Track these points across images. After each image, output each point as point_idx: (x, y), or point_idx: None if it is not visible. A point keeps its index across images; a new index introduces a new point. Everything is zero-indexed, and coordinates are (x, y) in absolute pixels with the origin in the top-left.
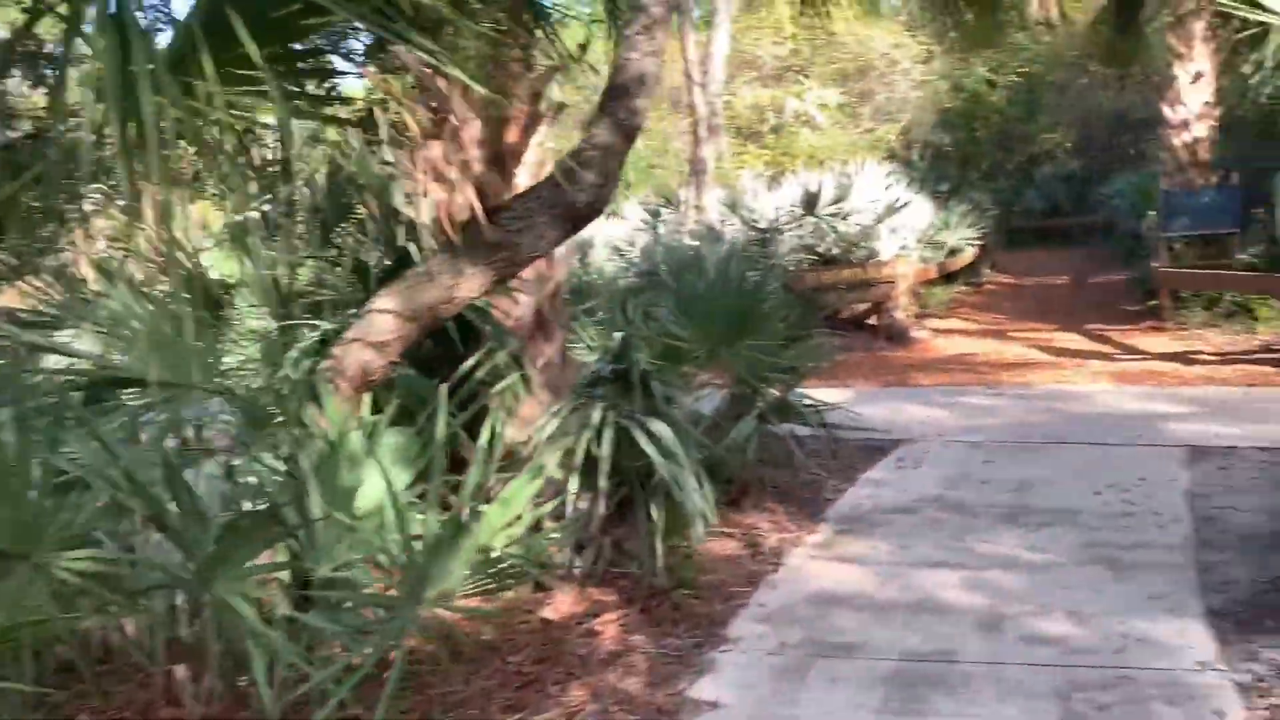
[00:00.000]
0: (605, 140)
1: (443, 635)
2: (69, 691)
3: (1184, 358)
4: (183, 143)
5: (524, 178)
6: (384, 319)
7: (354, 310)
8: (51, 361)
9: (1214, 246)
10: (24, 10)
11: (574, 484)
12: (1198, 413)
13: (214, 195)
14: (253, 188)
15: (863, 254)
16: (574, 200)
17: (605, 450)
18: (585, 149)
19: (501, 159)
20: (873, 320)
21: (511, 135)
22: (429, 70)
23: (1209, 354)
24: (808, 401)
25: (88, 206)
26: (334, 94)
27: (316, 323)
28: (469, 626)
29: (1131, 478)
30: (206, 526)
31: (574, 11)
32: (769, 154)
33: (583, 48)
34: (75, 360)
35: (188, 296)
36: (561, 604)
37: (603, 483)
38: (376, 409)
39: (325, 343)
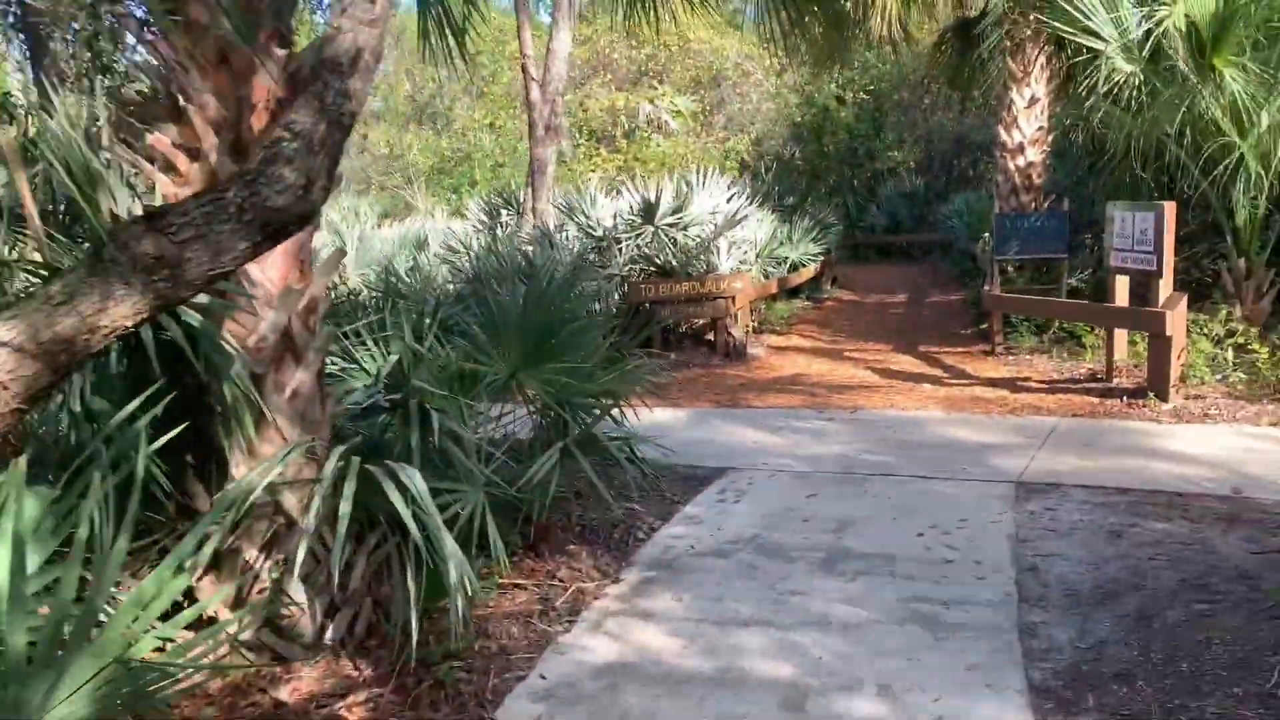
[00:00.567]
0: (306, 127)
1: None
2: None
3: (1012, 384)
4: None
5: None
6: None
7: None
8: None
9: (1047, 271)
10: None
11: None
12: (1023, 444)
13: None
14: None
15: (701, 267)
16: (269, 204)
17: (344, 506)
18: (282, 138)
19: (244, 148)
20: (710, 336)
21: (259, 120)
22: (157, 37)
23: (1037, 381)
24: (615, 435)
25: None
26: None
27: None
28: (191, 708)
29: (954, 518)
30: None
31: None
32: (621, 158)
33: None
34: None
35: None
36: (304, 682)
37: (340, 535)
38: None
39: None
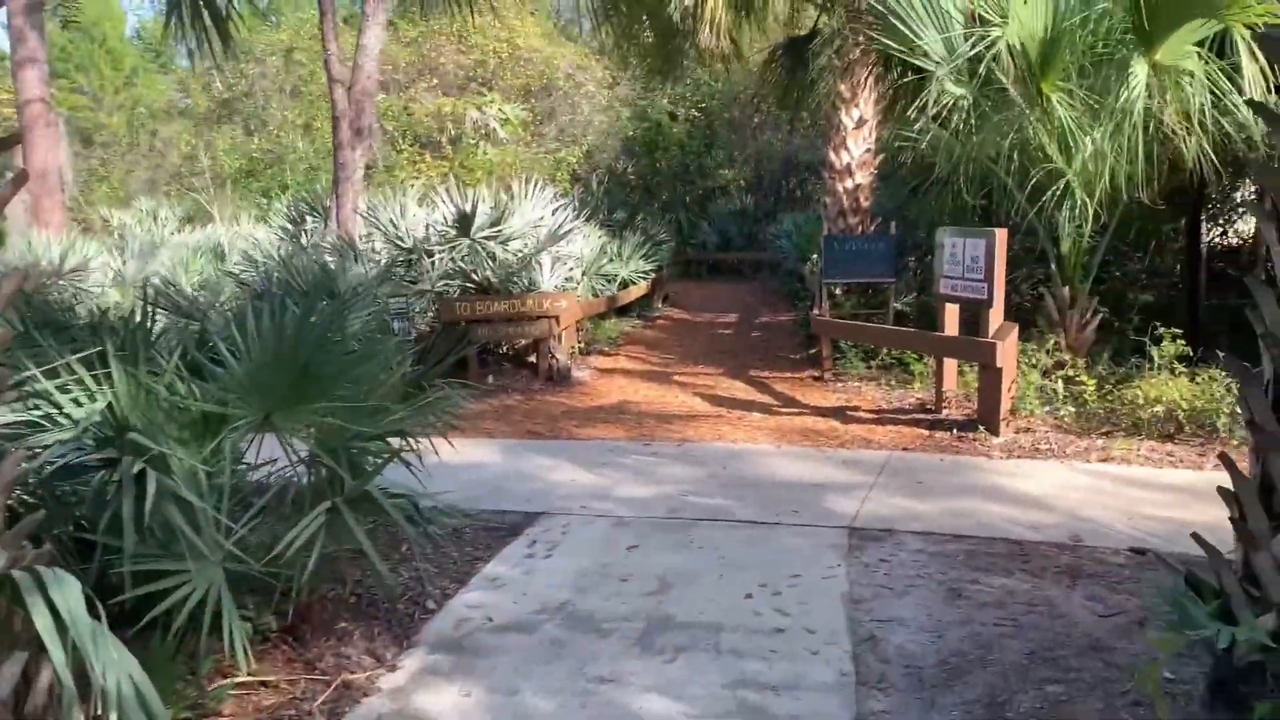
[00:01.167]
0: None
1: None
2: None
3: (842, 414)
4: None
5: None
6: None
7: None
8: None
9: (874, 295)
10: None
11: None
12: (854, 483)
13: None
14: None
15: (523, 284)
16: None
17: None
18: None
19: None
20: (533, 358)
21: None
22: None
23: (866, 410)
24: (396, 490)
25: None
26: None
27: None
28: None
29: (786, 573)
30: None
31: None
32: (447, 166)
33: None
34: None
35: None
36: None
37: None
38: None
39: None
